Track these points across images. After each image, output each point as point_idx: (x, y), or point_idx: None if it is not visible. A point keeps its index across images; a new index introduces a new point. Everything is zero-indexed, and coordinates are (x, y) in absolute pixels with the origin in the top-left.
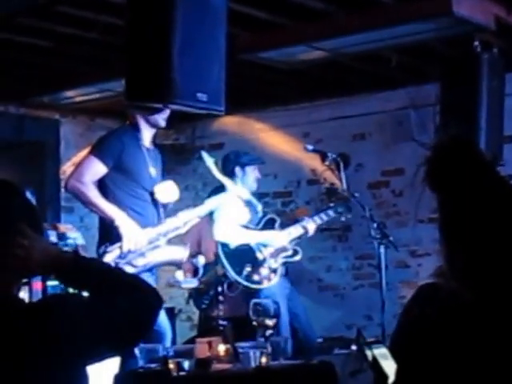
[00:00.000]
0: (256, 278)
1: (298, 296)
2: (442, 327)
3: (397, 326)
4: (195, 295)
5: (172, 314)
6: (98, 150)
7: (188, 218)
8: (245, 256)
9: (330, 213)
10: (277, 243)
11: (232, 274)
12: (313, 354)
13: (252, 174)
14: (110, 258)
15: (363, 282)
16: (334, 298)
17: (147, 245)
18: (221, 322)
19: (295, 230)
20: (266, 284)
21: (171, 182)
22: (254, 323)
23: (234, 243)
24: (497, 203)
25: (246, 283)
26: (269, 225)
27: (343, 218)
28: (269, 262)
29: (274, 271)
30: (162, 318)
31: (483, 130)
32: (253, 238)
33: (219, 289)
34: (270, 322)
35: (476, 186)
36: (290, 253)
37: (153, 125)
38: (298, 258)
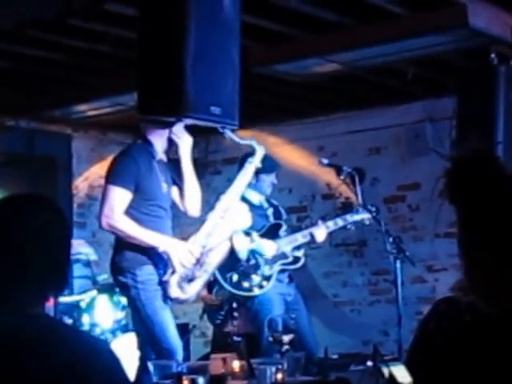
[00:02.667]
0: (246, 285)
1: (303, 305)
2: (460, 342)
3: (413, 341)
4: (209, 311)
5: (186, 329)
6: (117, 178)
7: (220, 214)
8: (237, 262)
9: (339, 221)
10: (267, 252)
11: (220, 280)
12: (328, 371)
13: (267, 180)
14: (174, 286)
15: (379, 298)
16: (350, 314)
17: (199, 254)
18: (235, 338)
19: (301, 237)
20: (256, 291)
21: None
22: (270, 339)
23: None
24: None
25: (233, 290)
26: (273, 231)
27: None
28: (262, 269)
29: (267, 278)
30: (174, 336)
31: (501, 144)
32: (248, 246)
33: (233, 304)
34: (286, 338)
35: (497, 199)
36: (289, 260)
37: (166, 139)
38: (298, 265)
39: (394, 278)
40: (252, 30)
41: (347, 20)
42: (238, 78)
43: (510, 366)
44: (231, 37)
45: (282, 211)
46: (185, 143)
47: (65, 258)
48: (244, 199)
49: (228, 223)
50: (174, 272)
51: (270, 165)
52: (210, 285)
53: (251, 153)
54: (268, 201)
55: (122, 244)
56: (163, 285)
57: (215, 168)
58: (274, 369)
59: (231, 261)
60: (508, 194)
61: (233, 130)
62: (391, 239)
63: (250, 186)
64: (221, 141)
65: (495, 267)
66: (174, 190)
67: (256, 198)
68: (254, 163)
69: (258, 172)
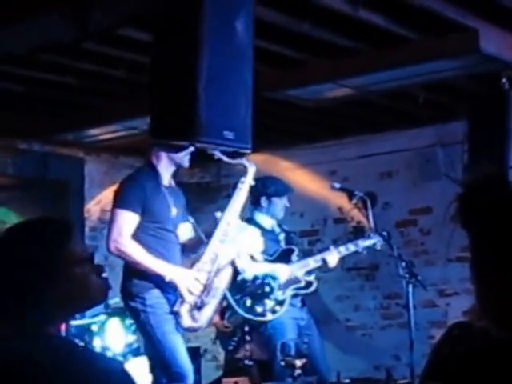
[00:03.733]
0: (259, 310)
1: (316, 329)
2: (473, 367)
3: (427, 366)
4: (222, 337)
5: (197, 353)
6: (124, 202)
7: (219, 238)
8: (250, 287)
9: (350, 246)
10: (281, 276)
11: (233, 305)
12: None
13: (280, 203)
14: (185, 316)
15: (391, 322)
16: (362, 338)
17: (206, 280)
18: (247, 363)
19: (313, 262)
20: (269, 316)
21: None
22: (282, 363)
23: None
24: None
25: (246, 315)
26: (285, 255)
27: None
28: (275, 293)
29: (281, 303)
30: (185, 359)
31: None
32: (256, 269)
33: (246, 328)
34: (298, 362)
35: (509, 224)
36: (302, 284)
37: (176, 163)
38: (311, 289)
39: (406, 302)
40: (265, 55)
41: (359, 45)
42: (251, 103)
43: None
44: (244, 61)
45: (294, 236)
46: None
47: None
48: (256, 224)
49: (231, 246)
50: (183, 301)
51: (282, 188)
52: (222, 311)
53: (251, 172)
54: (280, 226)
55: (131, 269)
56: (175, 315)
57: (227, 192)
58: None
59: (239, 283)
60: None
61: (245, 154)
62: (403, 263)
63: (262, 210)
64: (233, 165)
65: (507, 292)
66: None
67: (268, 222)
68: (247, 182)
69: (270, 195)
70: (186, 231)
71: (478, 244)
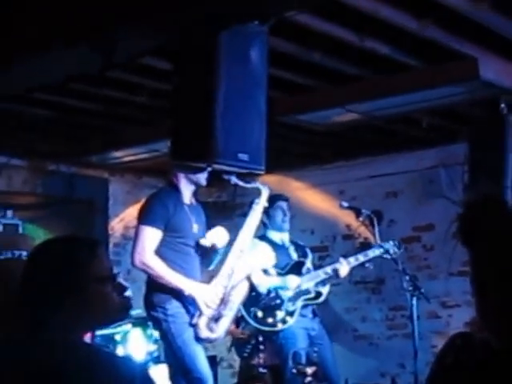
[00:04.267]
0: (270, 320)
1: (327, 339)
2: (476, 375)
3: (430, 373)
4: (237, 344)
5: (214, 361)
6: (148, 219)
7: (236, 254)
8: (264, 300)
9: (360, 256)
10: (291, 287)
11: (245, 316)
12: None
13: (276, 214)
14: (203, 328)
15: (396, 332)
16: (369, 347)
17: (223, 294)
18: (261, 370)
19: (323, 274)
20: (280, 326)
21: (221, 228)
22: (294, 371)
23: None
24: None
25: (257, 326)
26: (295, 268)
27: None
28: (286, 304)
29: (291, 314)
30: (204, 365)
31: (509, 188)
32: (268, 282)
33: (260, 338)
34: (309, 370)
35: (507, 242)
36: (312, 295)
37: (195, 183)
38: (320, 300)
39: (410, 314)
40: (278, 82)
41: (366, 72)
42: (265, 127)
43: None
44: (258, 88)
45: (308, 251)
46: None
47: None
48: (268, 240)
49: (246, 262)
50: (201, 314)
51: (274, 199)
52: (238, 320)
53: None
54: (294, 242)
55: (153, 281)
56: (193, 327)
57: (242, 210)
58: None
59: (254, 297)
60: None
61: (254, 175)
62: (407, 277)
63: (270, 227)
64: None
65: (506, 307)
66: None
67: (277, 236)
68: (261, 203)
69: (265, 212)
70: (221, 235)
71: (477, 260)
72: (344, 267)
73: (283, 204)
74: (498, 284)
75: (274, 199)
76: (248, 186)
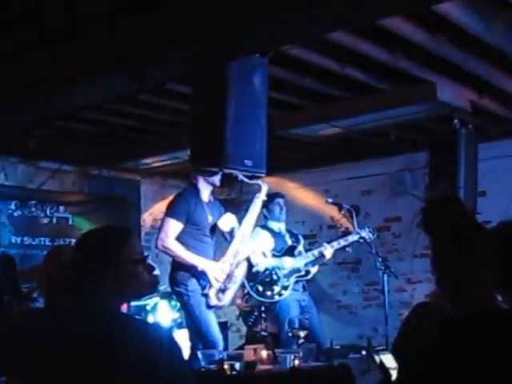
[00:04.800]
0: (268, 293)
1: (315, 308)
2: (434, 337)
3: (398, 335)
4: (243, 315)
5: (225, 327)
6: (172, 213)
7: (240, 239)
8: (262, 276)
9: (341, 241)
10: (286, 267)
11: (249, 291)
12: (333, 358)
13: (276, 208)
14: (213, 297)
15: (371, 303)
16: (349, 315)
17: (228, 270)
18: (263, 334)
19: (311, 255)
20: (276, 298)
21: (229, 214)
22: (289, 334)
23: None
24: (475, 242)
25: (258, 298)
26: (289, 251)
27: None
28: (282, 281)
29: (285, 288)
30: (216, 331)
31: (462, 188)
32: (266, 262)
33: (262, 308)
34: (301, 333)
35: (460, 229)
36: (302, 273)
37: (211, 184)
38: (309, 277)
39: (382, 288)
40: (276, 103)
41: (346, 94)
42: (265, 139)
43: (469, 358)
44: (260, 107)
45: (300, 237)
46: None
47: None
48: (268, 229)
49: (248, 245)
50: (211, 286)
51: (269, 196)
52: (244, 295)
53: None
54: (288, 230)
55: (177, 264)
56: (205, 297)
57: (247, 205)
58: (292, 357)
59: (255, 274)
60: (468, 225)
61: (257, 177)
62: (380, 259)
63: (269, 218)
64: (252, 185)
65: (458, 282)
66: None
67: (275, 226)
68: (261, 197)
69: (265, 206)
70: (230, 219)
71: (436, 245)
72: (328, 250)
73: (280, 200)
74: (453, 264)
75: (273, 196)
76: (251, 182)
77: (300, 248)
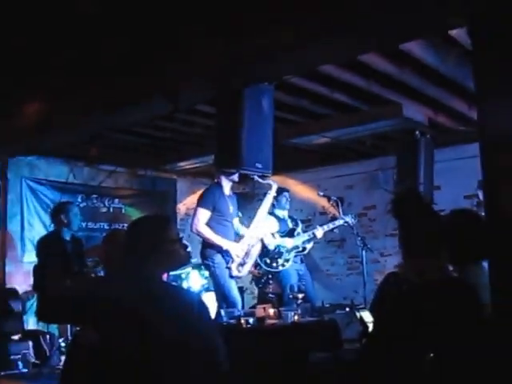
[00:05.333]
0: (274, 264)
1: (309, 276)
2: (400, 300)
3: (374, 297)
4: (256, 280)
5: (242, 290)
6: (202, 203)
7: (255, 225)
8: (270, 252)
9: (325, 227)
10: (287, 244)
11: (260, 263)
12: (323, 314)
13: (282, 199)
14: (234, 269)
15: (352, 272)
16: (336, 281)
17: (246, 249)
18: (270, 296)
19: (307, 236)
20: (280, 268)
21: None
22: (290, 296)
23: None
24: (433, 226)
25: (267, 268)
26: (290, 233)
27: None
28: (284, 255)
29: (287, 261)
30: (236, 294)
31: (422, 183)
32: (274, 242)
33: (269, 276)
34: (299, 295)
35: (420, 216)
36: (300, 249)
37: (230, 181)
38: (306, 252)
39: (361, 260)
40: (279, 119)
41: (334, 112)
42: (272, 147)
43: (426, 312)
44: (267, 123)
45: (299, 222)
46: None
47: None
48: (274, 215)
49: (261, 230)
50: (233, 261)
51: (280, 190)
52: (256, 265)
53: (274, 188)
54: (290, 216)
55: (205, 243)
56: (228, 269)
57: (259, 198)
58: (292, 313)
59: (266, 251)
60: (427, 213)
61: (266, 176)
62: (359, 238)
63: (277, 207)
64: (262, 183)
65: (419, 255)
66: (236, 220)
67: (280, 213)
68: (272, 193)
69: (275, 198)
70: (236, 222)
71: (402, 227)
72: (319, 232)
73: (287, 194)
74: (415, 241)
75: (280, 190)
76: (263, 181)
77: (298, 230)
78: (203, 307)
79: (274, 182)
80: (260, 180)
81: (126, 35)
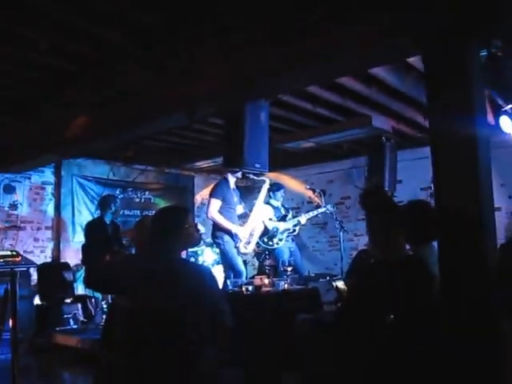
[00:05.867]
0: (270, 243)
1: (299, 252)
2: (368, 272)
3: (348, 269)
4: (257, 255)
5: (245, 263)
6: (214, 194)
7: (255, 215)
8: (267, 232)
9: (311, 213)
10: (280, 227)
11: (259, 242)
12: (308, 282)
13: (278, 193)
14: (242, 247)
15: (333, 248)
16: (320, 256)
17: (250, 231)
18: (267, 268)
19: (294, 220)
20: (275, 246)
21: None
22: (282, 269)
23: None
24: (392, 213)
25: (264, 246)
26: (283, 218)
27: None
28: (278, 235)
29: (281, 240)
30: (241, 266)
31: (387, 179)
32: (271, 224)
33: (267, 252)
34: (288, 268)
35: (382, 207)
36: (291, 231)
37: (235, 177)
38: (295, 233)
39: (339, 239)
40: (274, 129)
41: (317, 123)
42: (268, 151)
43: (387, 283)
44: (264, 132)
45: (290, 210)
46: (265, 185)
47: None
48: (270, 205)
49: (260, 215)
50: (240, 241)
51: (277, 187)
52: (257, 244)
53: (267, 183)
54: (282, 205)
55: (216, 226)
56: (236, 248)
57: (258, 190)
58: (283, 283)
59: (265, 232)
60: (388, 205)
61: (260, 174)
62: (337, 222)
63: (273, 198)
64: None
65: (382, 236)
66: (240, 207)
67: (275, 203)
68: (265, 187)
69: (273, 191)
70: (240, 208)
71: (368, 216)
72: (303, 218)
73: (281, 190)
74: (377, 226)
75: (277, 185)
76: (258, 178)
77: (289, 216)
78: (214, 281)
79: (267, 179)
80: (255, 177)
81: (151, 67)
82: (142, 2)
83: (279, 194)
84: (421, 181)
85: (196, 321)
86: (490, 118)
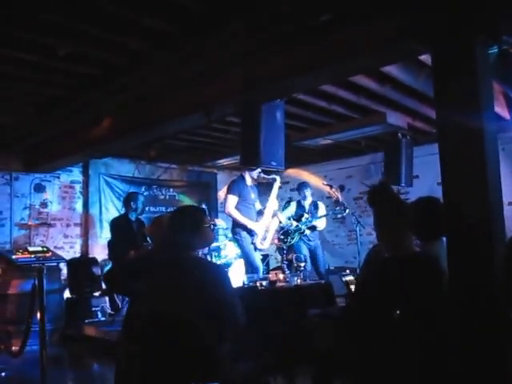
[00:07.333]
0: (285, 240)
1: (320, 247)
2: (379, 268)
3: (363, 263)
4: (279, 249)
5: (267, 256)
6: (231, 191)
7: (269, 211)
8: (282, 229)
9: (324, 219)
10: (293, 226)
11: (279, 237)
12: (326, 276)
13: (306, 192)
14: (258, 243)
15: (351, 242)
16: (339, 249)
17: (266, 227)
18: (285, 263)
19: (307, 223)
20: (289, 243)
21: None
22: (295, 264)
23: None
24: (400, 210)
25: (284, 242)
26: (299, 218)
27: (340, 215)
28: (292, 233)
29: (293, 238)
30: (259, 261)
31: (403, 174)
32: (288, 223)
33: (284, 247)
34: (301, 264)
35: (389, 203)
36: (302, 231)
37: (252, 175)
38: (318, 229)
39: (356, 234)
40: (290, 126)
41: (333, 120)
42: (284, 149)
43: (397, 278)
44: (280, 130)
45: (319, 204)
46: (276, 182)
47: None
48: (301, 205)
49: (272, 212)
50: (256, 237)
51: (304, 186)
52: (279, 239)
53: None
54: (313, 201)
55: (235, 222)
56: (253, 244)
57: (271, 188)
58: (296, 278)
59: (284, 229)
60: (395, 201)
61: (277, 172)
62: (354, 217)
63: (302, 199)
64: (279, 174)
65: (390, 234)
66: (257, 203)
67: (306, 203)
68: (277, 184)
69: (299, 192)
70: (258, 205)
71: (375, 212)
72: (318, 223)
73: (308, 187)
74: (386, 223)
75: (304, 184)
76: (269, 176)
77: (305, 216)
78: (226, 279)
79: (277, 176)
80: (266, 175)
81: (170, 72)
82: (162, 11)
83: (305, 192)
84: (437, 175)
85: (201, 315)
86: (506, 114)
